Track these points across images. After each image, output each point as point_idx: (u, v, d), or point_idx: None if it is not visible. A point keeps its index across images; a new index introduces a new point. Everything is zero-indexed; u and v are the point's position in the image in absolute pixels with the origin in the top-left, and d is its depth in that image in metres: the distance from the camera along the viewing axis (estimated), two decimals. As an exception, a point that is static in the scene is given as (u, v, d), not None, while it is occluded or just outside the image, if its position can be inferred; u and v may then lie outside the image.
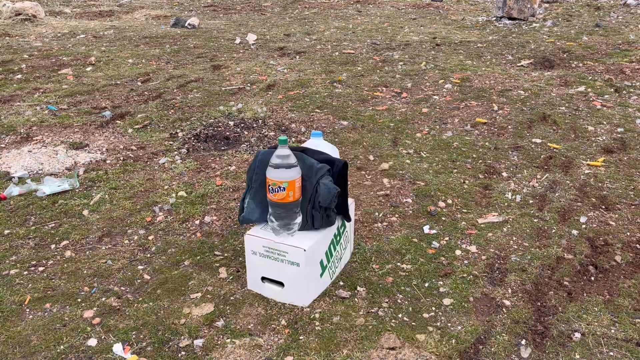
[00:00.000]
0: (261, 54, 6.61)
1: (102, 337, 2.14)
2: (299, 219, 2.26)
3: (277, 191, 2.15)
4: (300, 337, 2.12)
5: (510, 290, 2.39)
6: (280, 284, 2.31)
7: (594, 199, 3.14)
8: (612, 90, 4.93)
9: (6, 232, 2.88)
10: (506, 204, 3.10)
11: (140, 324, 2.20)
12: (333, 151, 2.46)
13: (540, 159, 3.65)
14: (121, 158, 3.75)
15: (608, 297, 2.34)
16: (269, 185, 2.17)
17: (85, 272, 2.54)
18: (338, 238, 2.42)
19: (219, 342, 2.11)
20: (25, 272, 2.54)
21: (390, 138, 4.02)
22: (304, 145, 2.44)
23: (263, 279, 2.34)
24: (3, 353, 2.06)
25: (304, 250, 2.20)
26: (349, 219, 2.46)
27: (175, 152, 3.84)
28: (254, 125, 4.28)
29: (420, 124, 4.28)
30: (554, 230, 2.84)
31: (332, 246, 2.38)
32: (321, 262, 2.32)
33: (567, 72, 5.58)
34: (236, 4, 11.00)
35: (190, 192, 3.27)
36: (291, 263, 2.23)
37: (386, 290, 2.39)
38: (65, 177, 3.46)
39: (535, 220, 2.93)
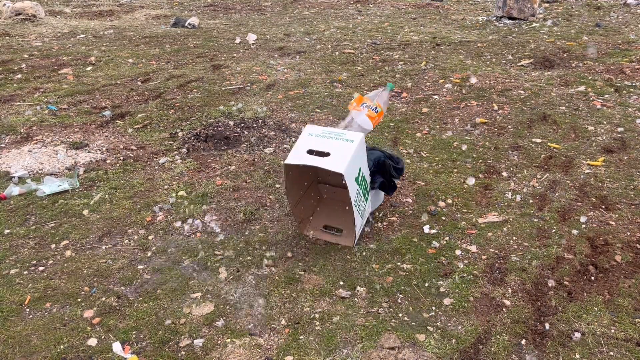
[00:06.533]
0: (261, 54, 6.61)
1: (102, 336, 2.14)
2: None
3: (373, 109, 2.77)
4: (300, 337, 2.12)
5: (510, 290, 2.39)
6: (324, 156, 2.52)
7: (594, 199, 3.14)
8: (612, 90, 4.93)
9: (6, 231, 2.88)
10: (506, 203, 3.10)
11: (140, 324, 2.20)
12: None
13: (540, 158, 3.65)
14: (121, 158, 3.75)
15: (608, 297, 2.34)
16: (364, 103, 2.79)
17: (85, 272, 2.54)
18: (365, 186, 2.66)
19: (219, 342, 2.11)
20: (26, 272, 2.55)
21: (390, 138, 4.02)
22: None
23: (310, 151, 2.51)
24: (3, 353, 2.06)
25: (366, 129, 2.73)
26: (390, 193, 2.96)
27: (175, 152, 3.84)
28: (254, 125, 4.28)
29: (420, 124, 4.28)
30: (554, 230, 2.83)
31: (364, 182, 2.68)
32: (359, 171, 2.57)
33: (567, 71, 5.58)
34: (236, 4, 10.99)
35: (190, 192, 3.27)
36: (346, 140, 2.54)
37: (386, 290, 2.39)
38: (65, 177, 3.46)
39: (535, 220, 2.93)
